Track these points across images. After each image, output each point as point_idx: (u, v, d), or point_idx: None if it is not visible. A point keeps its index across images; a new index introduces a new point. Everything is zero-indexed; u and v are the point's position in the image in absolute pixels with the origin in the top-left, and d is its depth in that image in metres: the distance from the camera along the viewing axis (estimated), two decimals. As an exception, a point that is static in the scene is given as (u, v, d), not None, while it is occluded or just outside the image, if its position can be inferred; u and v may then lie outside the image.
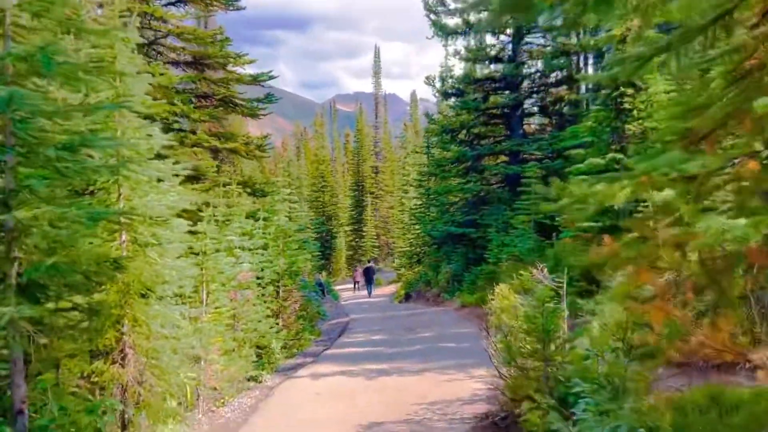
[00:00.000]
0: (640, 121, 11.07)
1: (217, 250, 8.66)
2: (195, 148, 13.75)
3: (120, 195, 6.21)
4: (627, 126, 11.05)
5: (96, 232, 5.91)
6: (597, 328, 5.84)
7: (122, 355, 6.15)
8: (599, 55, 25.55)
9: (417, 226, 33.62)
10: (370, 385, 8.65)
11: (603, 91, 11.80)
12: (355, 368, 9.89)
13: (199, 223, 8.28)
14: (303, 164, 71.29)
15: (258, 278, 11.86)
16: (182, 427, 6.61)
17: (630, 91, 11.07)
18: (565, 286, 5.96)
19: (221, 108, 14.49)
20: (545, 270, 6.47)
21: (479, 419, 6.51)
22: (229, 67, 15.56)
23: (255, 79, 14.91)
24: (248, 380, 9.77)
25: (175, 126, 14.78)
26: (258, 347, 11.41)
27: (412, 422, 6.71)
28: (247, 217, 13.14)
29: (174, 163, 6.79)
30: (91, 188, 6.65)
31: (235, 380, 8.85)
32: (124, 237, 6.28)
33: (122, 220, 6.14)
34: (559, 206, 3.20)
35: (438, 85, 24.85)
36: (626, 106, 11.05)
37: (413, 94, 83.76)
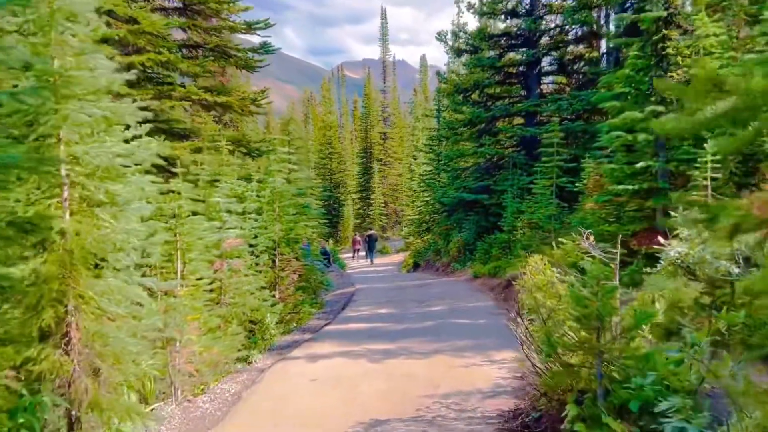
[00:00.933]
0: (685, 69, 9.64)
1: (196, 213, 7.43)
2: (184, 102, 12.44)
3: (59, 140, 4.95)
4: (670, 74, 9.62)
5: (23, 186, 4.71)
6: (662, 311, 4.61)
7: (66, 339, 4.99)
8: (623, 11, 23.84)
9: (426, 193, 32.33)
10: (374, 370, 7.48)
11: (641, 36, 10.33)
12: (357, 348, 8.72)
13: (171, 181, 7.05)
14: (310, 130, 69.84)
15: (251, 246, 10.68)
16: (144, 423, 5.47)
17: (675, 34, 9.62)
18: (618, 259, 4.69)
19: (212, 59, 13.12)
20: (592, 238, 5.22)
21: (505, 419, 5.33)
22: (224, 15, 14.15)
23: (250, 27, 13.48)
24: (238, 361, 8.67)
25: (169, 80, 13.49)
26: (251, 322, 10.31)
27: (423, 420, 5.54)
28: (240, 179, 11.92)
29: (133, 101, 5.50)
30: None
31: (219, 363, 7.72)
32: (66, 193, 5.04)
33: (63, 172, 4.92)
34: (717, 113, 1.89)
35: (450, 41, 23.25)
36: (669, 51, 9.60)
37: (423, 59, 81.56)
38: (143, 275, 6.71)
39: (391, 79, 73.34)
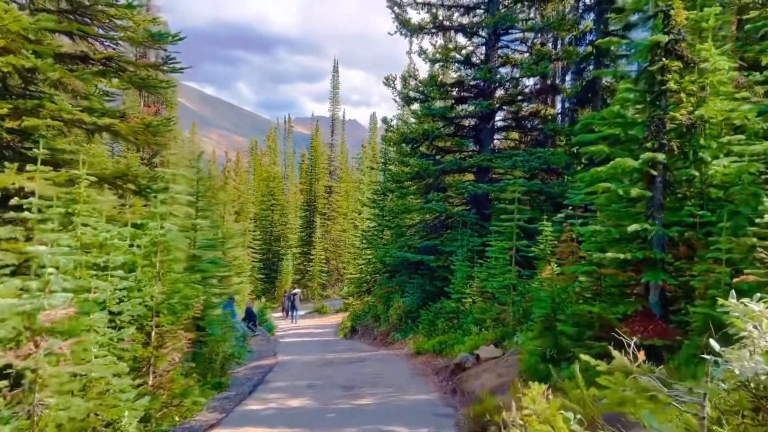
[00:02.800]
0: (691, 109, 7.61)
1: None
2: (53, 122, 9.62)
3: None
4: (673, 114, 7.56)
5: None
6: None
7: None
8: (578, 71, 22.69)
9: (369, 251, 29.83)
10: None
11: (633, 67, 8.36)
12: (236, 482, 5.88)
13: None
14: (251, 179, 67.06)
15: (113, 314, 7.79)
16: None
17: (676, 64, 7.62)
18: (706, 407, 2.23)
19: (98, 72, 10.41)
20: (641, 354, 2.81)
21: None
22: (126, 25, 11.56)
23: (153, 39, 10.94)
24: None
25: (37, 95, 10.73)
26: (107, 424, 7.33)
27: None
28: (117, 223, 9.11)
29: None
30: None
31: None
32: None
33: None
34: None
35: (399, 86, 21.30)
36: (671, 86, 7.58)
37: (372, 117, 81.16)
38: None
39: (340, 134, 71.76)
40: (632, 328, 7.39)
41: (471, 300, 15.66)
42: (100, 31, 11.18)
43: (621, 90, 7.93)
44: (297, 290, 39.54)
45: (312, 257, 54.02)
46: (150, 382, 8.39)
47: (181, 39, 11.25)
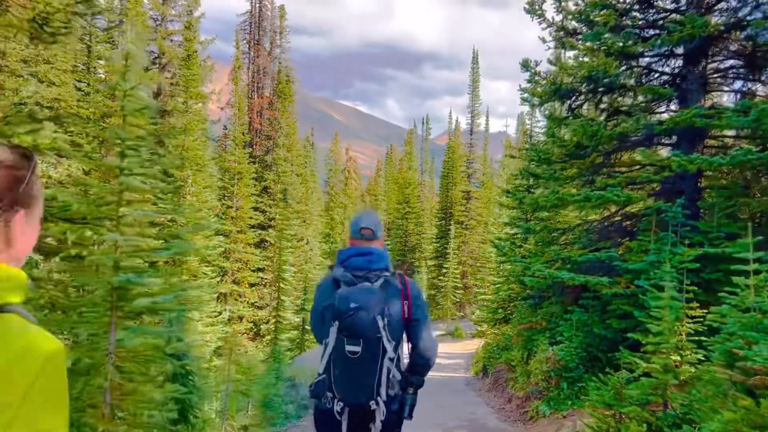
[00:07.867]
0: None
1: None
2: None
3: None
4: None
5: None
6: None
7: None
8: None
9: (508, 265, 22.22)
10: None
11: None
12: None
13: None
14: (382, 183, 61.98)
15: None
16: None
17: None
18: None
19: None
20: None
21: None
22: None
23: None
24: None
25: None
26: None
27: None
28: None
29: None
30: None
31: None
32: None
33: None
34: None
35: (550, 13, 13.76)
36: None
37: (520, 116, 72.61)
38: None
39: (483, 139, 64.00)
40: None
41: (681, 362, 7.88)
42: None
43: None
44: None
45: (446, 271, 47.07)
46: None
47: None
